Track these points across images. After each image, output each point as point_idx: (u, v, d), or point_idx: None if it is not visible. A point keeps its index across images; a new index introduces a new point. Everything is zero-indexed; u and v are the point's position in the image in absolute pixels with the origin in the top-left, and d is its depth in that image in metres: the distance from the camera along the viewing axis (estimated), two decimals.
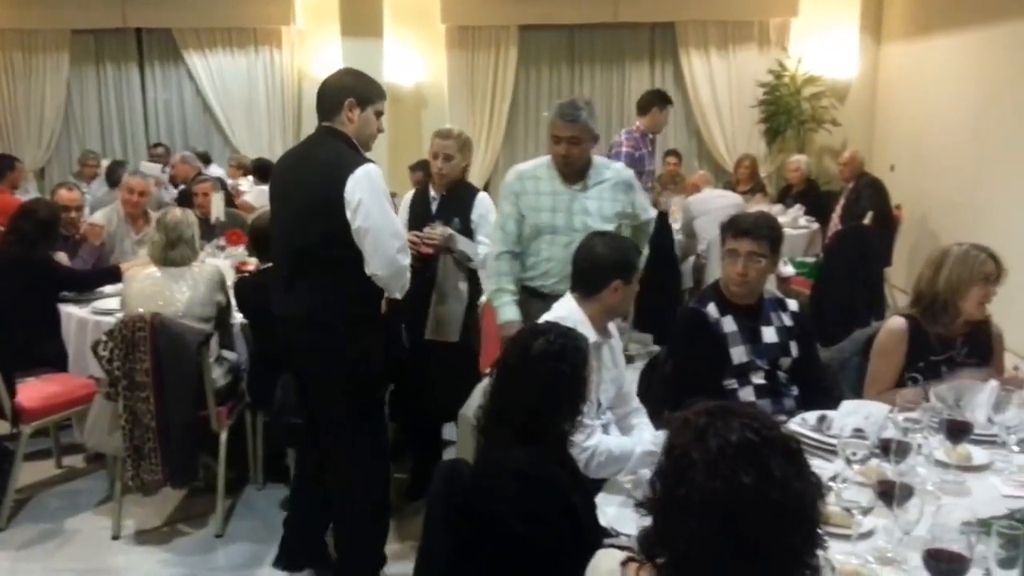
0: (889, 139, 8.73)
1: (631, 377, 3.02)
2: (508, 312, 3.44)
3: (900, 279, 7.27)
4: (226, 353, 4.06)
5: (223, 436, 3.79)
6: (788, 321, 3.03)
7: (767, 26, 9.01)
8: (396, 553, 3.50)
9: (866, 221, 6.58)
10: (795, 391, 2.98)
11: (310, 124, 9.14)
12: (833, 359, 3.25)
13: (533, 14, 9.08)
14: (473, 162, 4.47)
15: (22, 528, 3.87)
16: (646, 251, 3.69)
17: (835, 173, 7.93)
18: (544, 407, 2.05)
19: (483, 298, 3.93)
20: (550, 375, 2.07)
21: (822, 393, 2.93)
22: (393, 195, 5.19)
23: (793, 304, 3.11)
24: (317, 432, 3.23)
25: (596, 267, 2.75)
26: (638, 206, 3.61)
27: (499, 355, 2.28)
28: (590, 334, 2.53)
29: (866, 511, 1.93)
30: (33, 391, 3.98)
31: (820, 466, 2.18)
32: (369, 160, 3.01)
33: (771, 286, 3.40)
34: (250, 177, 8.26)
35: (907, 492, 1.91)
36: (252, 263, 4.58)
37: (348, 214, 2.90)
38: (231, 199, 6.95)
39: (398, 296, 3.17)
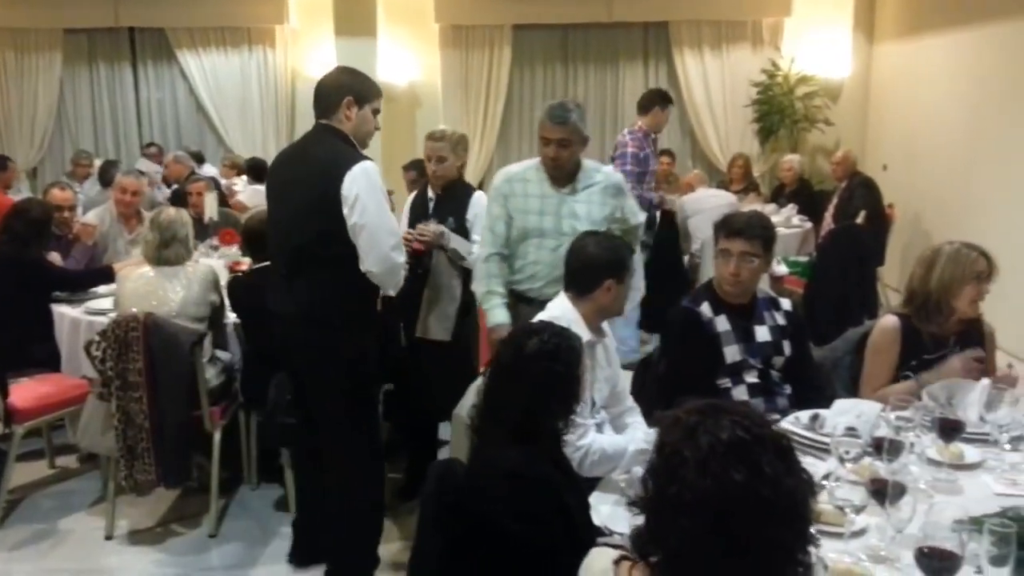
0: (882, 138, 8.75)
1: (625, 376, 3.02)
2: (498, 315, 3.40)
3: (893, 278, 7.29)
4: (220, 353, 4.05)
5: (217, 436, 3.78)
6: (781, 320, 3.03)
7: (760, 26, 9.03)
8: (390, 553, 3.51)
9: (859, 220, 6.60)
10: (788, 390, 2.99)
11: (304, 123, 9.10)
12: (826, 358, 3.26)
13: (527, 13, 9.09)
14: (468, 161, 4.45)
15: (15, 529, 3.86)
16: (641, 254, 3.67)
17: (828, 172, 7.94)
18: (537, 406, 2.06)
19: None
20: (543, 374, 2.07)
21: (815, 392, 2.93)
22: (390, 193, 5.19)
23: (786, 303, 3.12)
24: (311, 431, 3.22)
25: (589, 267, 2.76)
26: (627, 210, 3.57)
27: (492, 355, 2.28)
28: (584, 333, 2.53)
29: (859, 509, 1.94)
30: (26, 391, 3.96)
31: (813, 465, 2.19)
32: (366, 157, 3.02)
33: (764, 285, 3.40)
34: (244, 177, 8.26)
35: (900, 490, 1.91)
36: (245, 263, 4.57)
37: (345, 210, 2.92)
38: (224, 199, 6.93)
39: (392, 293, 3.17)
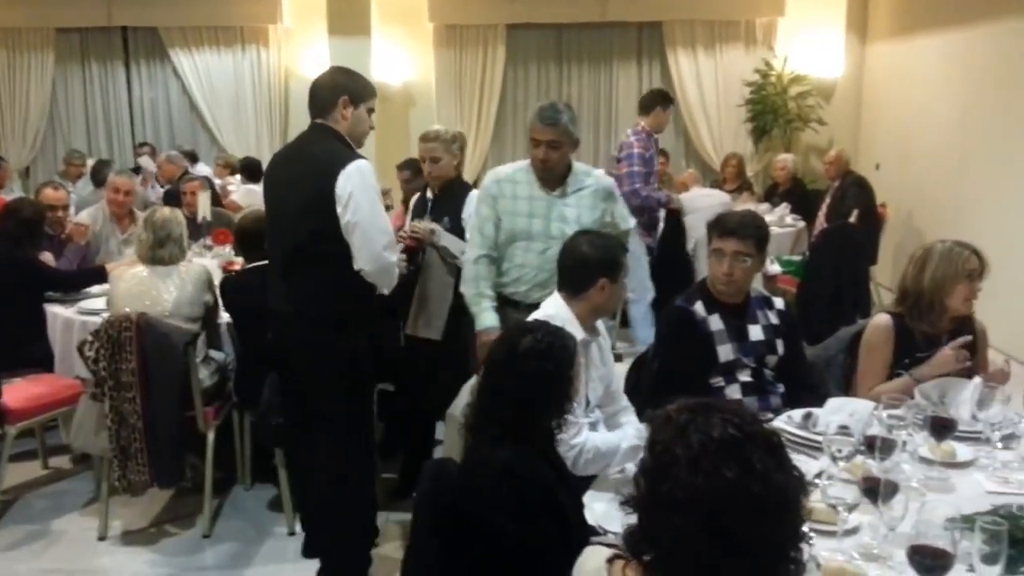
0: (874, 138, 8.78)
1: (619, 375, 3.03)
2: (486, 319, 3.35)
3: (885, 277, 7.31)
4: (213, 353, 4.04)
5: (210, 436, 3.78)
6: (774, 319, 3.04)
7: (754, 25, 9.05)
8: (385, 552, 3.51)
9: (852, 219, 6.62)
10: (781, 389, 2.99)
11: (297, 122, 9.10)
12: (819, 357, 3.27)
13: (521, 13, 9.09)
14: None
15: (8, 529, 3.85)
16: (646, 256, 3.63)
17: (821, 172, 7.97)
18: (529, 405, 2.06)
19: None
20: (535, 373, 2.08)
21: (808, 391, 2.94)
22: (387, 192, 5.18)
23: (779, 302, 3.13)
24: (303, 431, 3.23)
25: (582, 266, 2.76)
26: (618, 215, 3.53)
27: (486, 353, 2.28)
28: (578, 332, 2.54)
29: (851, 508, 1.94)
30: (19, 392, 3.95)
31: (806, 463, 2.20)
32: (361, 156, 3.04)
33: (757, 284, 3.41)
34: (238, 176, 8.24)
35: (892, 489, 1.92)
36: (239, 262, 4.56)
37: (339, 209, 2.93)
38: (218, 198, 6.92)
39: (386, 292, 3.17)
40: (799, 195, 7.69)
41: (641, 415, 2.82)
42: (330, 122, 3.07)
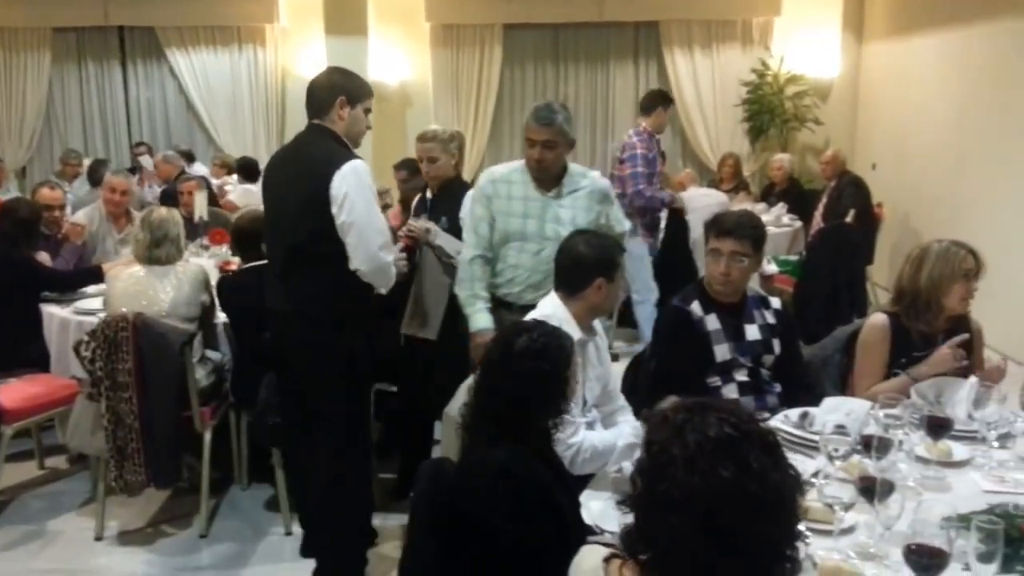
0: (871, 138, 8.79)
1: (616, 374, 3.03)
2: (480, 320, 3.32)
3: (882, 277, 7.32)
4: (210, 353, 4.04)
5: (207, 436, 3.77)
6: (771, 319, 3.04)
7: (750, 25, 9.07)
8: (382, 552, 3.51)
9: (848, 219, 6.63)
10: (778, 388, 3.00)
11: (294, 122, 9.10)
12: (815, 356, 3.27)
13: (518, 13, 9.10)
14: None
15: (4, 530, 3.84)
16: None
17: (817, 171, 7.98)
18: (525, 404, 2.06)
19: None
20: (530, 372, 2.08)
21: (805, 390, 2.95)
22: (385, 191, 5.18)
23: (776, 302, 3.13)
24: (299, 430, 3.23)
25: (579, 265, 2.76)
26: (613, 218, 3.49)
27: (483, 353, 2.28)
28: (575, 332, 2.54)
29: (848, 507, 1.95)
30: (15, 392, 3.95)
31: (802, 462, 2.21)
32: (357, 156, 3.05)
33: (754, 284, 3.41)
34: (235, 176, 8.23)
35: (888, 488, 1.92)
36: (235, 262, 4.56)
37: (334, 209, 2.94)
38: (215, 198, 6.91)
39: (383, 291, 3.17)
40: (796, 195, 7.70)
41: (638, 415, 2.82)
42: (327, 123, 3.08)
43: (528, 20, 9.19)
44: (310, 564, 3.31)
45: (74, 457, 4.43)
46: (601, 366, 2.82)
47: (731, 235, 2.92)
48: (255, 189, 7.42)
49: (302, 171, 3.05)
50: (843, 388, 3.10)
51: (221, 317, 4.06)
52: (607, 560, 1.45)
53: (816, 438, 2.35)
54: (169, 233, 3.88)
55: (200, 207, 5.60)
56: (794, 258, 6.63)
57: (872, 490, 1.93)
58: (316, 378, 3.12)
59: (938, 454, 2.40)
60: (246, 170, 8.10)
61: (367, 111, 3.15)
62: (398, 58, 9.23)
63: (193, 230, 5.33)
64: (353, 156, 3.02)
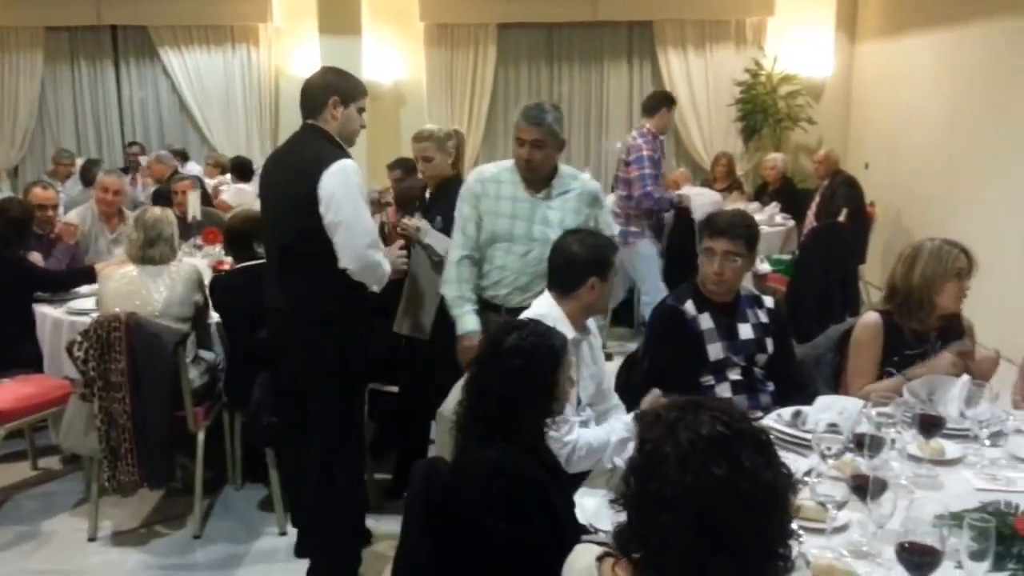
0: (864, 137, 8.81)
1: (610, 373, 3.03)
2: (467, 322, 3.28)
3: (874, 276, 7.34)
4: (203, 353, 4.03)
5: (200, 436, 3.76)
6: (764, 318, 3.05)
7: (744, 25, 9.08)
8: (376, 552, 3.51)
9: (841, 218, 6.64)
10: (771, 387, 3.01)
11: (288, 122, 9.08)
12: (808, 355, 3.28)
13: (512, 12, 9.10)
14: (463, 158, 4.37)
15: None
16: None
17: (811, 171, 7.99)
18: (514, 403, 2.06)
19: None
20: (519, 371, 2.08)
21: (797, 389, 2.96)
22: (386, 190, 5.16)
23: (769, 301, 3.14)
24: (295, 430, 3.23)
25: (572, 265, 2.76)
26: (601, 222, 3.42)
27: (471, 355, 2.29)
28: (568, 331, 2.54)
29: (840, 505, 1.95)
30: (8, 392, 3.93)
31: (795, 461, 2.20)
32: (347, 156, 3.06)
33: (747, 283, 3.42)
34: (228, 176, 8.22)
35: (881, 486, 1.93)
36: (228, 262, 4.55)
37: (321, 208, 2.96)
38: (208, 198, 6.90)
39: (376, 290, 3.17)
40: (789, 194, 7.71)
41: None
42: (320, 122, 3.09)
43: (522, 20, 9.19)
44: (304, 564, 3.31)
45: (67, 458, 4.42)
46: (595, 365, 2.83)
47: (725, 235, 2.93)
48: (249, 189, 7.41)
49: (293, 171, 3.08)
50: (836, 387, 3.11)
51: (214, 317, 4.06)
52: (600, 559, 1.45)
53: (809, 436, 2.35)
54: (163, 233, 3.87)
55: (193, 207, 5.59)
56: (787, 257, 6.64)
57: (865, 488, 1.94)
58: (308, 376, 3.13)
59: (930, 452, 2.40)
60: (240, 170, 8.08)
61: (361, 110, 3.15)
62: (392, 57, 9.22)
63: (186, 230, 5.32)
64: (343, 155, 3.03)
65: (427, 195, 4.00)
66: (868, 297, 7.00)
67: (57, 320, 4.19)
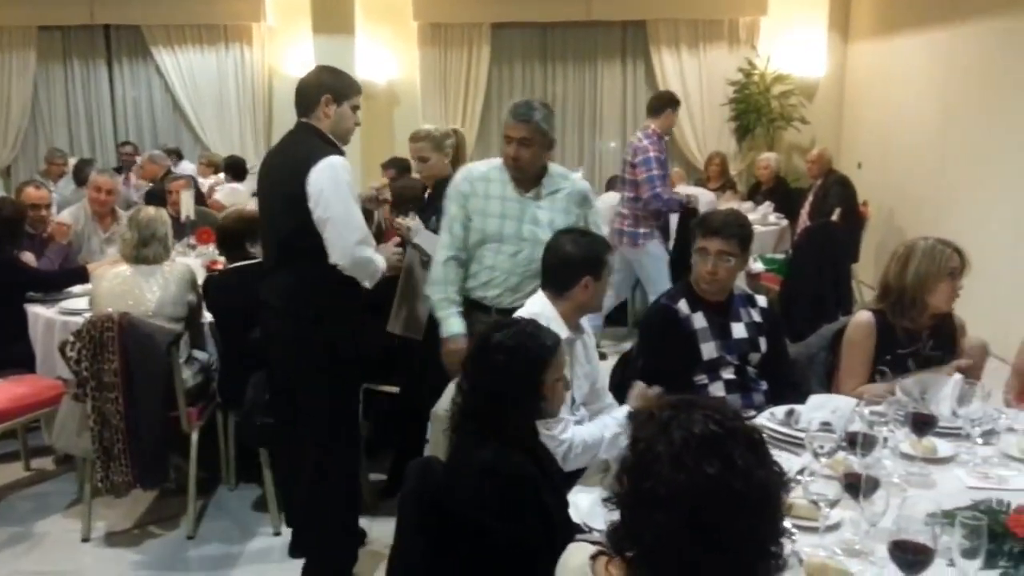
0: (857, 137, 8.84)
1: (604, 372, 3.04)
2: (453, 325, 3.23)
3: (867, 275, 7.36)
4: (197, 353, 4.02)
5: (194, 437, 3.76)
6: (757, 317, 3.06)
7: (737, 25, 9.10)
8: (371, 551, 3.50)
9: (834, 218, 6.66)
10: (764, 386, 3.01)
11: (281, 121, 9.08)
12: (801, 354, 3.29)
13: (506, 12, 9.10)
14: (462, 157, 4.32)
15: None
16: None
17: (804, 170, 8.01)
18: (501, 399, 2.05)
19: None
20: (504, 367, 2.07)
21: (791, 388, 2.96)
22: (384, 187, 5.15)
23: (762, 300, 3.15)
24: (291, 428, 3.23)
25: (565, 264, 2.76)
26: (591, 222, 3.35)
27: (456, 359, 2.29)
28: (562, 331, 2.54)
29: (833, 503, 1.96)
30: (0, 393, 3.92)
31: (788, 459, 2.22)
32: (339, 153, 3.07)
33: (741, 282, 3.42)
34: (222, 175, 8.21)
35: (873, 484, 1.93)
36: (222, 262, 4.55)
37: (310, 205, 2.97)
38: (202, 197, 6.89)
39: (368, 285, 3.17)
40: (782, 194, 7.73)
41: None
42: (313, 120, 3.11)
43: (516, 19, 9.19)
44: (299, 564, 3.30)
45: (60, 458, 4.40)
46: (589, 364, 2.83)
47: (718, 234, 2.93)
48: (242, 188, 7.40)
49: (286, 169, 3.09)
50: (829, 385, 3.12)
51: (208, 317, 4.05)
52: (594, 558, 1.46)
53: (802, 435, 2.36)
54: (157, 232, 3.87)
55: (187, 206, 5.58)
56: (780, 256, 6.66)
57: (857, 487, 1.94)
58: (297, 372, 3.14)
59: (923, 451, 2.41)
60: (233, 169, 8.07)
61: (355, 108, 3.17)
62: (386, 57, 9.21)
63: (180, 229, 5.31)
64: (333, 152, 3.04)
65: (427, 195, 4.00)
66: (861, 296, 7.02)
67: (50, 320, 4.17)
